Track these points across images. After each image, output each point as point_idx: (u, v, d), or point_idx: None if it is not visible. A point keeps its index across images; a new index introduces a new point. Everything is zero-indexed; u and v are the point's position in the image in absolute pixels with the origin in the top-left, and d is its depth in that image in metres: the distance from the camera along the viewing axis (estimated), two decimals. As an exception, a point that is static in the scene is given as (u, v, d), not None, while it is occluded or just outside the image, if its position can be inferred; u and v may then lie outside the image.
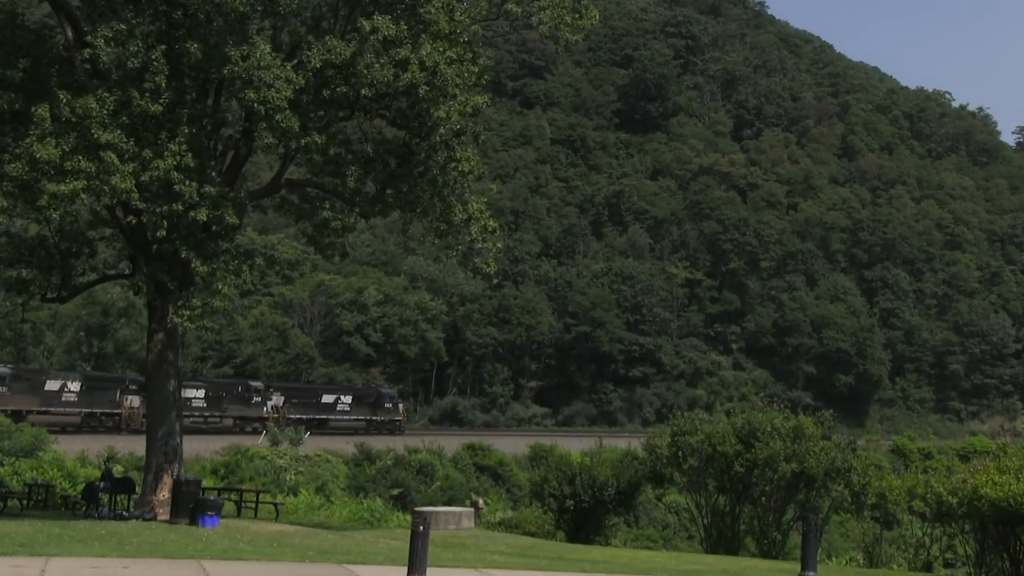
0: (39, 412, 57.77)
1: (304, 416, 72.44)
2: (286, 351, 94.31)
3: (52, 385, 59.85)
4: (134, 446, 43.97)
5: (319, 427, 72.29)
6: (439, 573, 15.79)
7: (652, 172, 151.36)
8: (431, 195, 23.12)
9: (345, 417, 76.30)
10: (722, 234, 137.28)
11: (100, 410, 61.68)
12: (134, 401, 62.20)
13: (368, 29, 21.17)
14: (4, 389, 56.89)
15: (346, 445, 58.88)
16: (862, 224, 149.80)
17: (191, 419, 63.94)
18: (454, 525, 27.52)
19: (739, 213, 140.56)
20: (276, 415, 70.21)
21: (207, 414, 66.71)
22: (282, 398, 73.01)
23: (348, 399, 77.98)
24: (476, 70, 22.94)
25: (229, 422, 67.42)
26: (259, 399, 70.67)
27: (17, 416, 55.85)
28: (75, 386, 60.80)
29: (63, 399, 59.82)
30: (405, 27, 21.55)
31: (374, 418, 77.94)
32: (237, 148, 24.19)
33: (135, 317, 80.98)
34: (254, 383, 73.59)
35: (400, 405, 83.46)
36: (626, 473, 29.70)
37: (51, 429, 53.67)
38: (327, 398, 77.29)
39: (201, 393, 67.13)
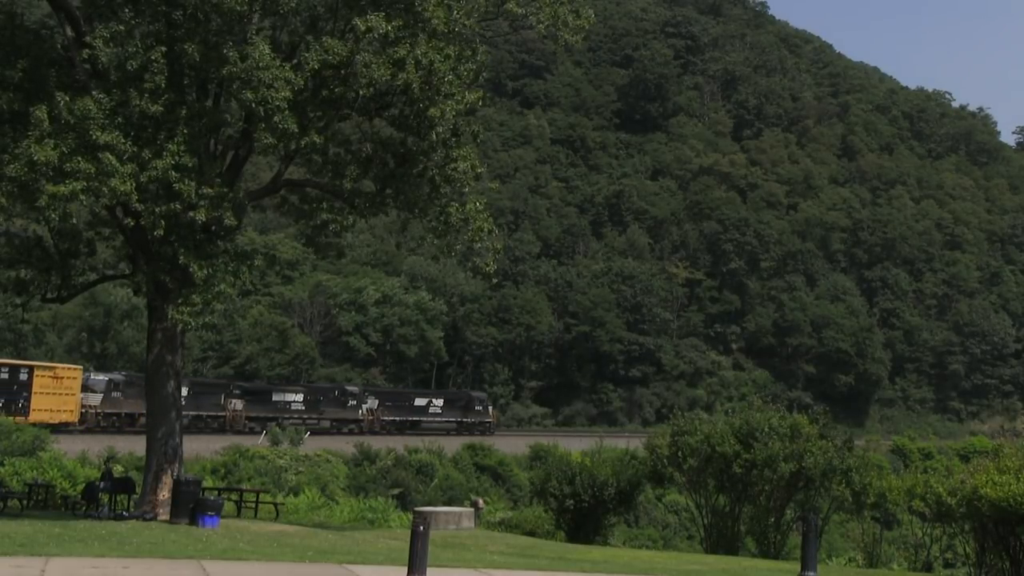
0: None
1: (397, 418, 77.60)
2: (286, 351, 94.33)
3: None
4: (134, 446, 43.97)
5: (412, 428, 77.03)
6: (439, 573, 15.79)
7: (652, 172, 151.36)
8: (429, 195, 23.11)
9: (437, 419, 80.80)
10: (722, 234, 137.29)
11: (206, 413, 65.76)
12: (237, 404, 67.50)
13: (363, 28, 21.17)
14: (119, 394, 60.68)
15: (346, 445, 58.92)
16: (862, 224, 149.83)
17: (290, 421, 69.14)
18: (454, 525, 27.53)
19: (739, 213, 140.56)
20: (371, 417, 75.21)
21: (305, 416, 71.14)
22: (376, 401, 77.68)
23: (440, 402, 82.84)
24: (473, 68, 22.92)
25: (326, 424, 71.60)
26: (355, 402, 75.30)
27: (131, 419, 60.13)
28: (183, 391, 62.30)
29: None
30: (399, 23, 21.53)
31: (465, 420, 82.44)
32: (237, 148, 24.18)
33: (137, 319, 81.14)
34: (350, 388, 78.94)
35: (490, 407, 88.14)
36: (626, 472, 29.70)
37: None
38: (419, 401, 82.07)
39: (300, 397, 72.32)
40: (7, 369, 56.02)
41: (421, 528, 14.37)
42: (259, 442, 57.95)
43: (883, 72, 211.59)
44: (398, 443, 62.85)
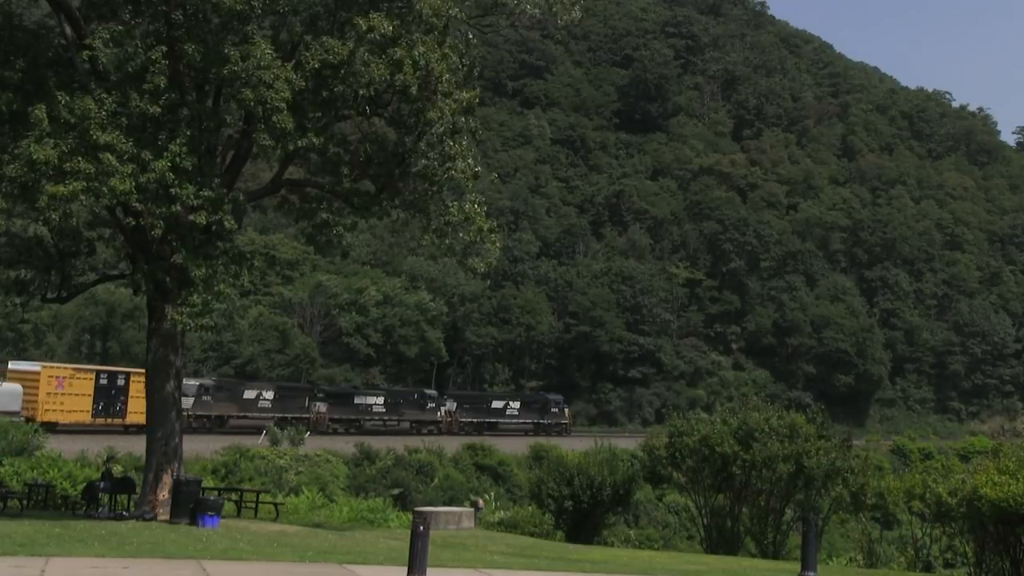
0: (238, 417, 65.22)
1: (475, 420, 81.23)
2: (286, 352, 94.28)
3: (249, 394, 67.49)
4: (134, 446, 43.93)
5: (489, 430, 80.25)
6: (439, 573, 15.80)
7: (652, 172, 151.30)
8: (428, 195, 23.11)
9: (514, 421, 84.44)
10: (722, 234, 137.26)
11: (291, 415, 68.82)
12: (321, 407, 70.97)
13: (364, 28, 21.18)
14: (208, 398, 64.43)
15: (345, 445, 58.90)
16: (862, 224, 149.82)
17: (371, 422, 73.32)
18: (454, 525, 27.52)
19: (739, 213, 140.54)
20: (449, 419, 78.86)
21: (386, 418, 75.00)
22: (455, 404, 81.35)
23: (516, 405, 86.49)
24: (467, 64, 22.85)
25: (406, 425, 75.00)
26: (433, 405, 78.96)
27: (220, 421, 64.06)
28: (269, 395, 68.63)
29: (259, 406, 67.28)
30: (398, 22, 21.54)
31: (541, 421, 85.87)
32: (237, 149, 24.16)
33: (140, 318, 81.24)
34: (429, 391, 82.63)
35: (566, 409, 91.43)
36: (619, 472, 29.71)
37: (244, 431, 61.87)
38: (497, 404, 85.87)
39: (381, 400, 76.03)
40: (106, 375, 59.28)
41: (421, 528, 14.38)
42: (259, 442, 57.96)
43: (883, 72, 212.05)
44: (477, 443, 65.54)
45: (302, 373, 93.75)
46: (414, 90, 21.37)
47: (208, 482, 32.42)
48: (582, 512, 29.41)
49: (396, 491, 49.58)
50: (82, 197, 20.22)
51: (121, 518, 22.60)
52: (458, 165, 22.61)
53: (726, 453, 26.55)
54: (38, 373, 56.08)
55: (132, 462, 40.40)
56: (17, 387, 54.48)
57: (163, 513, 22.70)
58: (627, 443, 55.55)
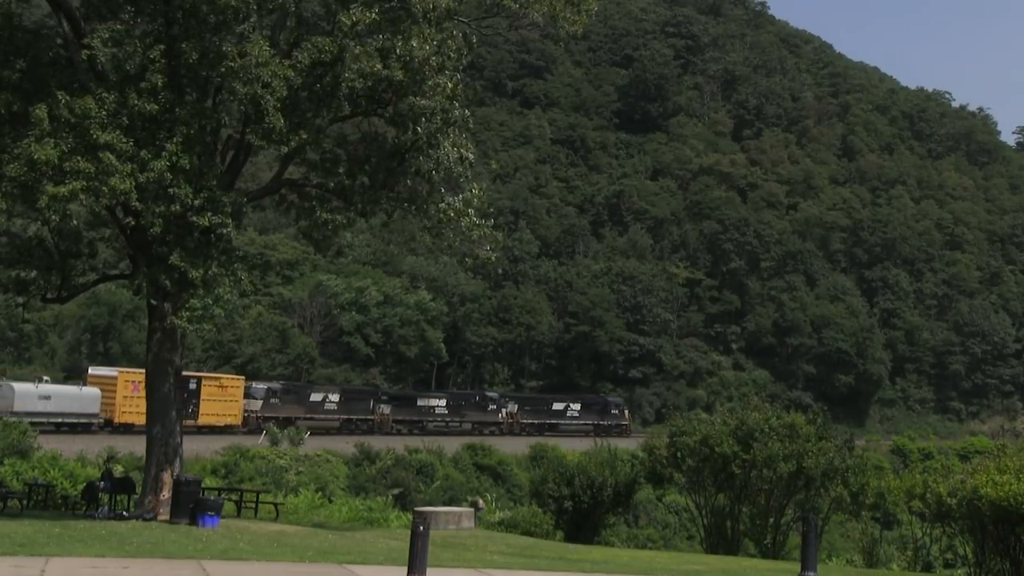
0: (305, 419, 67.03)
1: (535, 421, 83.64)
2: (286, 351, 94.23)
3: (316, 397, 69.98)
4: (134, 446, 43.96)
5: (550, 431, 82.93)
6: (439, 573, 15.80)
7: (652, 172, 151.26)
8: (425, 191, 23.09)
9: (574, 422, 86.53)
10: (722, 234, 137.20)
11: (356, 417, 71.33)
12: (385, 409, 72.97)
13: (348, 23, 21.24)
14: (276, 400, 67.04)
15: (345, 445, 58.93)
16: (862, 224, 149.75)
17: (434, 423, 75.79)
18: (454, 525, 27.52)
19: (739, 213, 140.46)
20: (511, 420, 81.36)
21: (448, 420, 77.51)
22: (516, 406, 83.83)
23: (577, 406, 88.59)
24: (455, 54, 22.80)
25: (468, 426, 77.20)
26: (494, 407, 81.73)
27: (288, 422, 66.11)
28: (335, 397, 70.96)
29: (325, 408, 69.65)
30: (376, 9, 21.59)
31: (601, 423, 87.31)
32: (237, 149, 24.15)
33: (140, 319, 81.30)
34: (490, 393, 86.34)
35: (626, 411, 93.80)
36: (620, 472, 29.71)
37: (314, 432, 64.33)
38: (557, 405, 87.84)
39: (443, 402, 78.54)
40: None
41: (421, 528, 14.38)
42: (259, 442, 58.00)
43: (883, 72, 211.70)
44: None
45: (302, 373, 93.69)
46: (400, 76, 21.34)
47: (208, 482, 32.45)
48: (582, 512, 29.42)
49: (396, 491, 49.59)
50: (82, 197, 20.21)
51: (121, 518, 22.60)
52: (450, 152, 22.43)
53: (726, 453, 26.55)
54: (115, 378, 58.96)
55: (132, 462, 40.44)
56: (95, 391, 57.58)
57: (163, 513, 22.69)
58: (627, 443, 55.70)
